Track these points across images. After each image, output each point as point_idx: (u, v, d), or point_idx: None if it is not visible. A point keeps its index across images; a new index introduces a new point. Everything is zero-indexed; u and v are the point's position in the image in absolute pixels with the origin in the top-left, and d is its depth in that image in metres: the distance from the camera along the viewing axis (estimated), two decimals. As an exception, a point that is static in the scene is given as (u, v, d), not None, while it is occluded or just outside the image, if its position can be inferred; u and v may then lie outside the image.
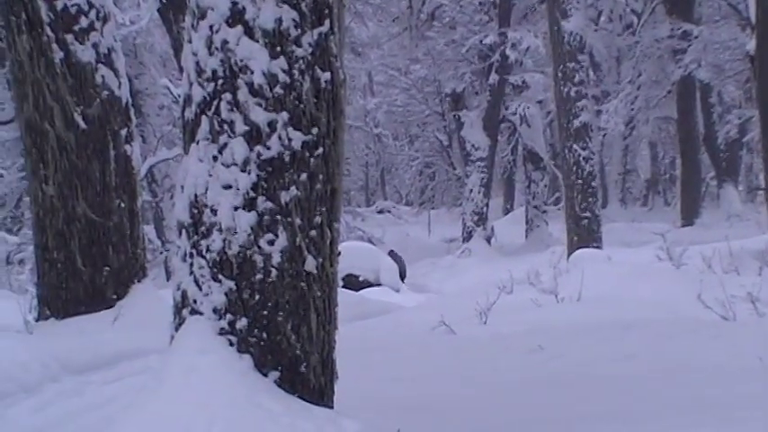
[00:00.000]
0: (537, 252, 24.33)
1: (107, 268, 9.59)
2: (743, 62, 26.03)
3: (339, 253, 4.99)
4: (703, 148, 33.55)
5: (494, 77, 29.35)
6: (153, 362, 7.81)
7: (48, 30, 8.99)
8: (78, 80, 9.16)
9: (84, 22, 9.17)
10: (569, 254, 18.14)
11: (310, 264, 4.73)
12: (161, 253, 17.43)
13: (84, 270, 9.50)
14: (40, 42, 9.01)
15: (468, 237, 29.14)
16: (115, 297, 9.62)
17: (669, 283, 11.89)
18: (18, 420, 6.68)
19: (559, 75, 21.42)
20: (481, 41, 29.19)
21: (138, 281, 9.92)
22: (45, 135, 9.19)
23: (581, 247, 17.98)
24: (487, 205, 29.94)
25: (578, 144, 20.93)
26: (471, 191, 29.20)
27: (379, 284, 19.58)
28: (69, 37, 9.09)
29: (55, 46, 9.02)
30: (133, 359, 8.25)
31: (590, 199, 21.00)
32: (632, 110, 31.69)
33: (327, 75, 4.76)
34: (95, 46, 9.27)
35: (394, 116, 42.05)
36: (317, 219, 4.75)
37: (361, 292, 17.37)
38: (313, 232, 4.74)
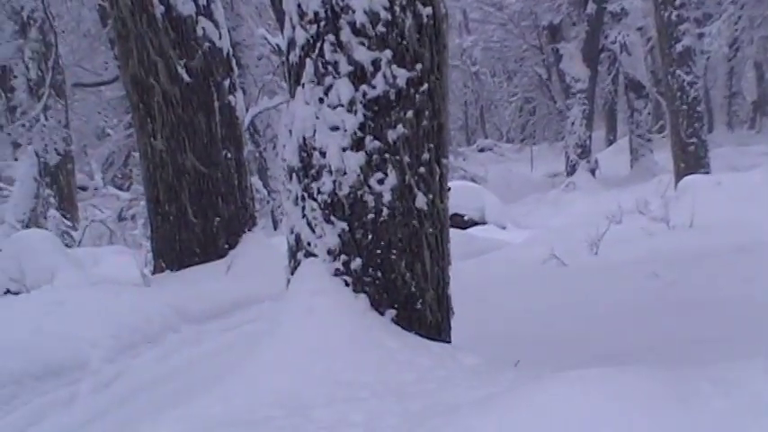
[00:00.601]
0: (643, 182, 23.79)
1: (217, 219, 9.79)
2: None
3: (449, 189, 4.98)
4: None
5: (591, 6, 28.69)
6: (266, 309, 7.98)
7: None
8: (180, 33, 9.29)
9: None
10: (677, 181, 17.70)
11: (421, 200, 4.73)
12: (267, 203, 17.63)
13: (195, 221, 9.72)
14: (137, -4, 9.12)
15: (571, 170, 28.75)
16: (227, 247, 9.83)
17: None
18: (144, 369, 6.90)
19: (659, -1, 20.85)
20: (577, -31, 28.65)
21: (249, 230, 10.10)
22: (150, 90, 9.36)
23: (688, 174, 17.53)
24: (590, 137, 29.46)
25: (681, 69, 20.38)
26: (573, 124, 28.77)
27: (484, 223, 19.49)
28: (166, -12, 9.19)
29: (155, 0, 9.13)
30: (247, 307, 8.46)
31: (696, 124, 20.47)
32: (736, 30, 30.66)
33: (429, 9, 4.70)
34: (196, -3, 9.35)
35: (491, 53, 41.54)
36: (426, 155, 4.74)
37: (468, 230, 17.31)
38: (422, 169, 4.73)
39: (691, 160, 20.34)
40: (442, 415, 3.89)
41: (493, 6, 36.38)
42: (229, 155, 9.86)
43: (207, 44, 9.47)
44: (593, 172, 28.73)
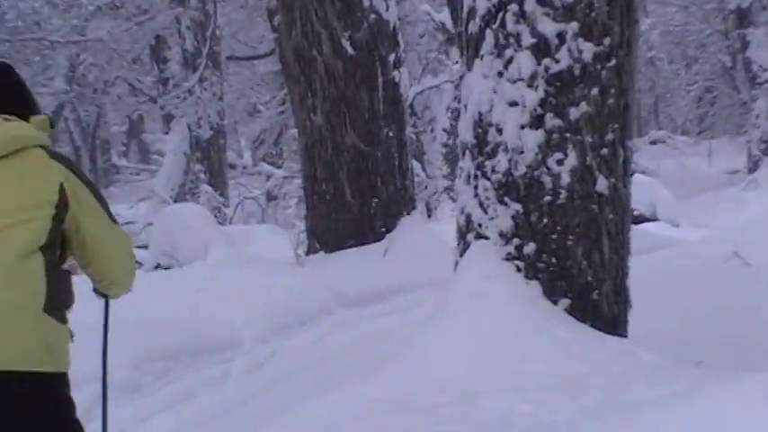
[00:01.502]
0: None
1: (375, 200, 9.90)
2: None
3: (633, 173, 4.92)
4: None
5: None
6: (425, 296, 8.05)
7: (315, -47, 9.25)
8: (346, 4, 9.41)
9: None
10: None
11: (602, 184, 4.66)
12: (426, 187, 17.68)
13: (352, 202, 9.85)
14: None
15: (753, 167, 27.62)
16: (384, 230, 9.93)
17: None
18: (298, 351, 7.07)
19: None
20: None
21: (408, 213, 10.18)
22: (313, 63, 9.52)
23: None
24: None
25: None
26: (758, 116, 27.65)
27: (655, 219, 19.02)
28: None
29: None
30: (405, 293, 8.52)
31: None
32: None
33: (619, -21, 4.65)
34: (362, -31, 9.46)
35: (670, 37, 40.27)
36: (609, 136, 4.67)
37: (638, 226, 16.90)
38: (605, 150, 4.66)
39: None
40: (618, 412, 3.87)
41: (675, -12, 35.39)
42: (391, 133, 9.95)
43: (373, 16, 9.56)
44: (779, 169, 27.65)
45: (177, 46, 21.44)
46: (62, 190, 3.08)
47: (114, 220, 3.42)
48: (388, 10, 9.76)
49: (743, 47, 29.93)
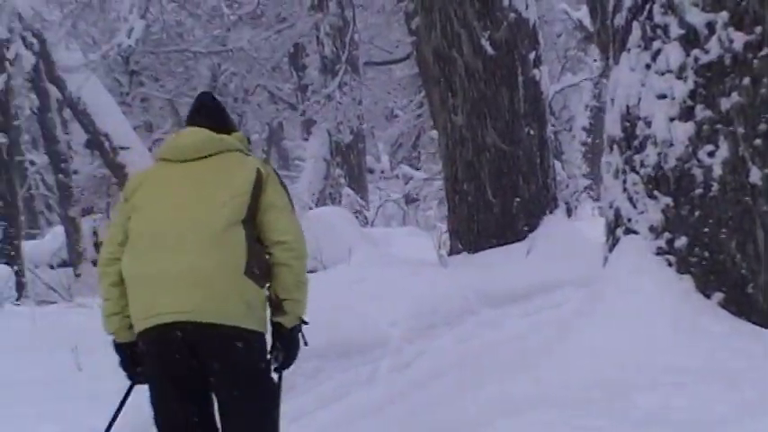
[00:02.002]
0: None
1: (517, 199, 9.87)
2: None
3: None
4: None
5: None
6: (569, 294, 7.99)
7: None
8: (485, 4, 9.40)
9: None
10: None
11: (755, 175, 4.53)
12: (567, 186, 17.48)
13: (494, 202, 9.84)
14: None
15: None
16: (526, 229, 9.89)
17: None
18: (444, 351, 7.11)
19: None
20: None
21: (550, 212, 10.11)
22: (453, 63, 9.55)
23: None
24: None
25: None
26: None
27: None
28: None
29: (463, -30, 9.29)
30: (549, 292, 8.46)
31: None
32: None
33: (772, -35, 4.54)
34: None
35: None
36: (762, 126, 4.53)
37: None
38: (757, 141, 4.53)
39: None
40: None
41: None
42: (532, 132, 9.91)
43: (512, 15, 9.54)
44: None
45: (315, 53, 21.75)
46: (258, 174, 3.88)
47: (293, 211, 4.13)
48: (527, 8, 9.71)
49: None
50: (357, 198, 17.99)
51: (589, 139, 23.46)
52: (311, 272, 10.50)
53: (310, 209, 14.94)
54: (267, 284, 3.93)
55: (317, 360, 6.23)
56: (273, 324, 3.97)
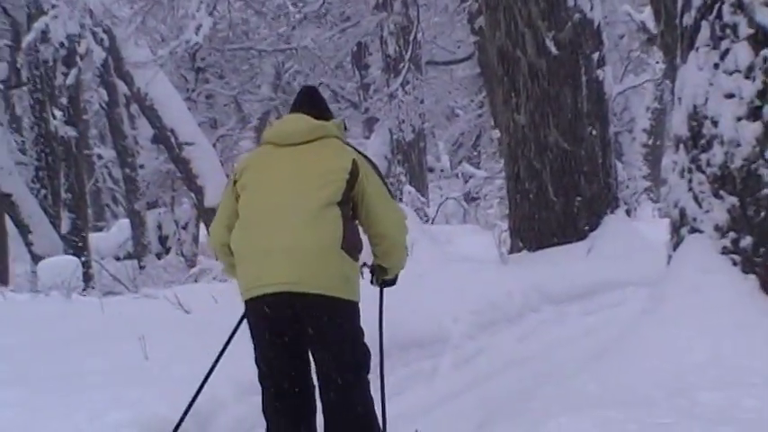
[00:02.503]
0: None
1: (579, 198, 9.82)
2: None
3: None
4: None
5: None
6: (630, 294, 7.95)
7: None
8: (550, 3, 9.37)
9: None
10: None
11: (822, 176, 4.51)
12: (627, 187, 17.36)
13: (555, 201, 9.81)
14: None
15: None
16: (587, 228, 9.84)
17: None
18: (505, 348, 7.10)
19: None
20: None
21: (611, 211, 10.05)
22: (517, 62, 9.54)
23: None
24: None
25: None
26: None
27: None
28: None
29: (525, -30, 9.28)
30: (610, 291, 8.43)
31: None
32: None
33: None
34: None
35: None
36: (833, 127, 4.51)
37: None
38: (828, 143, 4.51)
39: None
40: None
41: None
42: (594, 132, 9.86)
43: (577, 15, 9.49)
44: None
45: (378, 52, 21.74)
46: (354, 166, 4.26)
47: (392, 197, 4.59)
48: (592, 9, 9.66)
49: None
50: (418, 195, 17.95)
51: (650, 141, 23.21)
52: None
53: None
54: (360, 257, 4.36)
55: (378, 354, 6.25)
56: (377, 269, 4.69)
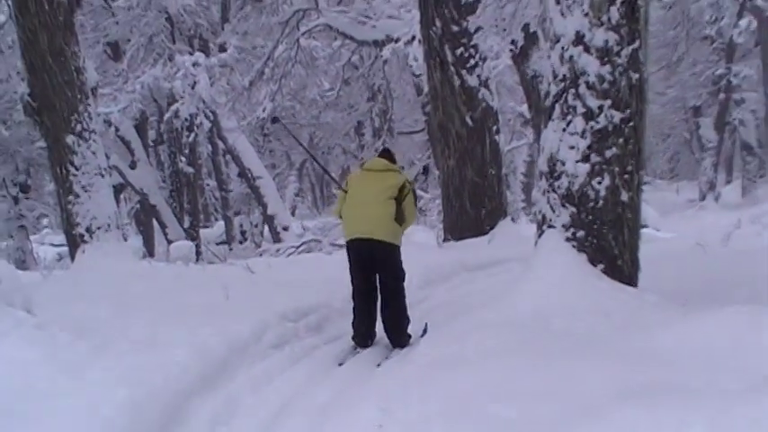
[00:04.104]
0: (752, 207, 20.68)
1: (484, 210, 9.83)
2: None
3: (643, 190, 4.72)
4: None
5: (722, 95, 25.82)
6: (513, 265, 7.88)
7: (450, 68, 9.26)
8: (468, 96, 9.38)
9: (472, 62, 9.32)
10: None
11: (624, 196, 4.48)
12: (510, 205, 17.54)
13: (470, 212, 9.81)
14: (447, 75, 9.30)
15: (702, 198, 25.87)
16: (489, 228, 9.82)
17: None
18: (438, 295, 7.01)
19: None
20: None
21: (503, 218, 10.04)
22: (449, 131, 9.53)
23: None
24: (716, 177, 26.61)
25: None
26: (705, 169, 25.92)
27: (646, 226, 17.76)
28: (463, 71, 9.29)
29: (455, 78, 9.27)
30: (501, 263, 8.36)
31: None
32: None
33: (637, 75, 4.46)
34: (479, 76, 9.41)
35: (653, 124, 38.46)
36: (629, 167, 4.48)
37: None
38: (626, 176, 4.48)
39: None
40: (639, 330, 3.74)
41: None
42: (493, 171, 9.86)
43: (484, 104, 9.51)
44: (716, 199, 25.64)
45: (369, 126, 21.77)
46: (403, 185, 5.02)
47: (416, 205, 5.23)
48: (493, 101, 9.68)
49: (697, 128, 28.67)
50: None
51: (525, 180, 23.27)
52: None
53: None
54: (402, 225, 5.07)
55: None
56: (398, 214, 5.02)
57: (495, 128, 9.82)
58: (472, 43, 9.15)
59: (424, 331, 5.13)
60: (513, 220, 10.97)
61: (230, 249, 19.24)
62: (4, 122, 15.46)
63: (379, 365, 4.70)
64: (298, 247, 11.61)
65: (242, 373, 4.38)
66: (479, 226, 9.77)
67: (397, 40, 11.47)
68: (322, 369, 4.70)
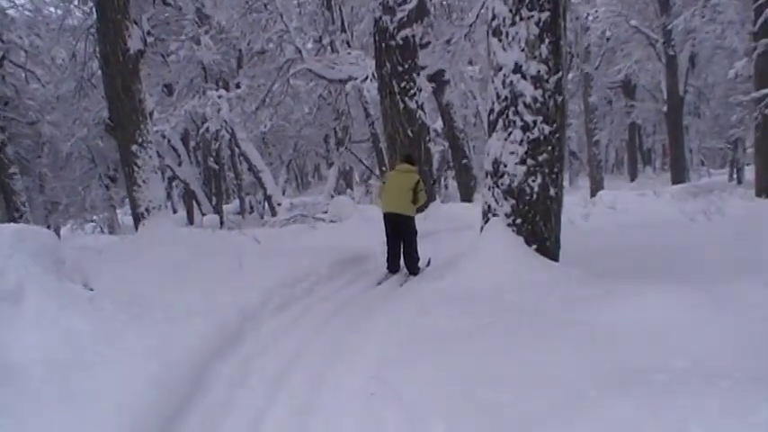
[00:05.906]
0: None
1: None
2: None
3: (563, 186, 3.94)
4: None
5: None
6: (444, 235, 7.00)
7: (397, 96, 8.32)
8: (408, 115, 8.44)
9: (412, 92, 8.38)
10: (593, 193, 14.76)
11: (552, 191, 3.75)
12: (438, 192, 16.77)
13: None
14: (394, 101, 8.35)
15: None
16: (426, 207, 8.93)
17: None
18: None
19: None
20: None
21: (433, 200, 9.21)
22: (395, 141, 8.59)
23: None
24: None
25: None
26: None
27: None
28: (406, 98, 8.35)
29: (400, 103, 8.34)
30: (433, 234, 7.47)
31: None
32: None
33: (560, 98, 3.70)
34: (417, 101, 8.47)
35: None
36: (555, 169, 3.75)
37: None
38: (553, 175, 3.74)
39: (599, 185, 16.37)
40: (580, 305, 2.92)
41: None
42: (426, 168, 8.96)
43: (420, 121, 8.58)
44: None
45: (333, 137, 20.41)
46: (418, 180, 4.87)
47: (426, 192, 4.99)
48: (427, 118, 8.76)
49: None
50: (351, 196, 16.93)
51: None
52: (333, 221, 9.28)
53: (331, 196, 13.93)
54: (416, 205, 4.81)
55: (337, 266, 5.07)
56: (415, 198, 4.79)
57: (427, 138, 8.94)
58: (412, 79, 8.27)
59: (428, 263, 5.16)
60: (442, 202, 10.09)
61: (243, 219, 17.94)
62: (101, 137, 15.42)
63: (401, 285, 4.55)
64: (289, 220, 10.57)
65: (251, 337, 3.39)
66: (418, 207, 8.90)
67: (355, 79, 10.54)
68: (318, 324, 3.75)
